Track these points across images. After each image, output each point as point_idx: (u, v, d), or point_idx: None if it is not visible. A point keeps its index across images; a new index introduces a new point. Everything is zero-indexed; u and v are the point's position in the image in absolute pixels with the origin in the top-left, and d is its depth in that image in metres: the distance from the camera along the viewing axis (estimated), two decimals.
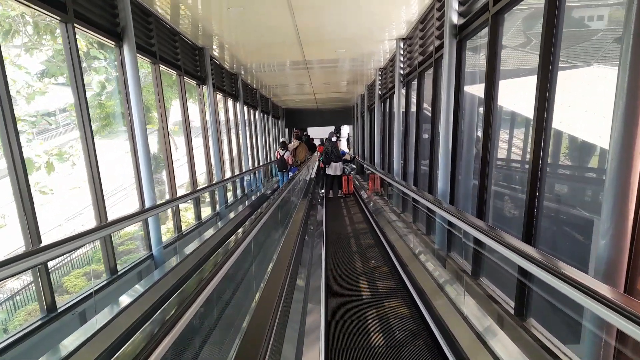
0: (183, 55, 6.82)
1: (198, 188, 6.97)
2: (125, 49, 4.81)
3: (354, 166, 14.35)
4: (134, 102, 4.93)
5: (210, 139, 8.15)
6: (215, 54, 8.54)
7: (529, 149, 4.05)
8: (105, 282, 4.36)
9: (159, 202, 5.41)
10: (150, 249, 5.38)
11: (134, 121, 4.98)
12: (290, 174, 12.11)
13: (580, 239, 3.33)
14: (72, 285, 9.70)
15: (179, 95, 6.90)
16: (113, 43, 4.80)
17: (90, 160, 4.24)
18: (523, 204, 3.84)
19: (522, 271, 3.07)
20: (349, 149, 24.79)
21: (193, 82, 7.71)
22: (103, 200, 4.42)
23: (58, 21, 3.96)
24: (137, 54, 5.32)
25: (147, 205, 5.19)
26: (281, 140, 13.37)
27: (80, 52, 9.38)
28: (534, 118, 3.02)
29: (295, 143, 13.59)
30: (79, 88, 4.12)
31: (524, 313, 3.19)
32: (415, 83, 7.15)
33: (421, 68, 6.56)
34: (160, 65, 6.02)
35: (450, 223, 4.70)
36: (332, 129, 22.51)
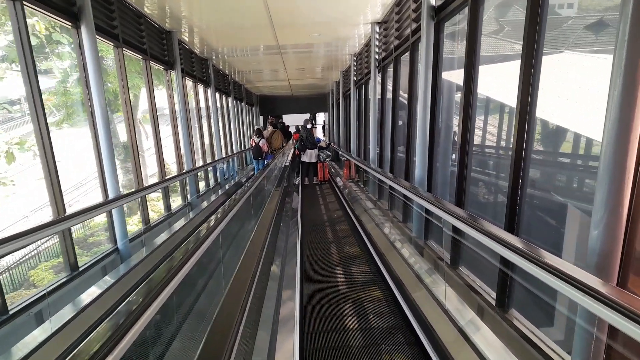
0: (149, 39, 6.46)
1: (166, 178, 6.68)
2: (83, 30, 4.46)
3: (329, 153, 14.29)
4: (94, 87, 4.60)
5: (179, 126, 7.83)
6: (185, 37, 8.18)
7: (504, 136, 3.99)
8: (65, 279, 4.09)
9: (125, 192, 5.15)
10: (115, 242, 5.11)
11: (94, 108, 4.66)
12: (266, 162, 11.93)
13: (552, 223, 3.26)
14: (39, 279, 9.34)
15: (145, 80, 6.55)
16: (70, 24, 4.44)
17: (46, 151, 3.93)
18: (501, 190, 3.75)
19: (504, 261, 2.96)
20: (324, 136, 24.63)
21: (160, 67, 7.36)
22: (60, 192, 4.11)
23: None
24: (98, 37, 4.98)
25: (111, 196, 4.91)
26: (256, 127, 13.16)
27: (40, 35, 8.89)
28: (517, 104, 2.88)
29: (270, 130, 13.39)
30: (31, 74, 3.76)
31: (505, 304, 3.09)
32: (391, 68, 6.98)
33: (397, 52, 6.39)
34: (124, 49, 5.67)
35: (427, 211, 4.59)
36: (307, 116, 22.23)
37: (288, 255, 5.57)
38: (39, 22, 8.14)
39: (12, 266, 8.79)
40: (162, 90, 8.13)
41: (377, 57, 7.67)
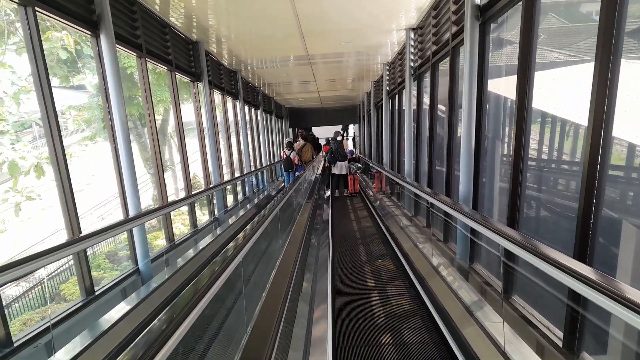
0: (174, 49, 6.25)
1: (192, 193, 6.41)
2: (103, 39, 4.22)
3: (360, 165, 14.11)
4: (114, 99, 4.35)
5: (207, 139, 7.59)
6: (212, 49, 7.98)
7: (544, 148, 3.52)
8: (80, 304, 3.81)
9: (144, 210, 4.88)
10: (136, 263, 4.83)
11: (114, 121, 4.41)
12: (297, 174, 11.80)
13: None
14: (70, 293, 9.27)
15: (171, 92, 6.33)
16: (89, 33, 4.22)
17: (60, 167, 3.67)
18: (564, 211, 3.28)
19: (574, 296, 2.49)
20: (355, 148, 24.29)
21: (187, 79, 7.14)
22: (76, 214, 3.84)
23: (17, 4, 3.35)
24: (120, 47, 4.78)
25: (132, 214, 4.64)
26: (287, 140, 13.15)
27: (70, 49, 8.86)
28: (590, 114, 2.43)
29: (301, 143, 13.33)
30: (45, 88, 3.49)
31: (576, 346, 2.60)
32: (428, 76, 6.55)
33: (435, 59, 5.96)
34: (148, 59, 5.45)
35: (473, 231, 4.14)
36: (336, 128, 21.89)
37: (319, 270, 5.27)
38: (67, 35, 8.10)
39: (44, 279, 8.72)
40: (191, 104, 7.94)
41: (412, 64, 7.26)
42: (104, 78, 4.33)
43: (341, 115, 22.48)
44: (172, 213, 6.12)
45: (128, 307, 3.99)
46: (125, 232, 5.29)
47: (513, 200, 3.47)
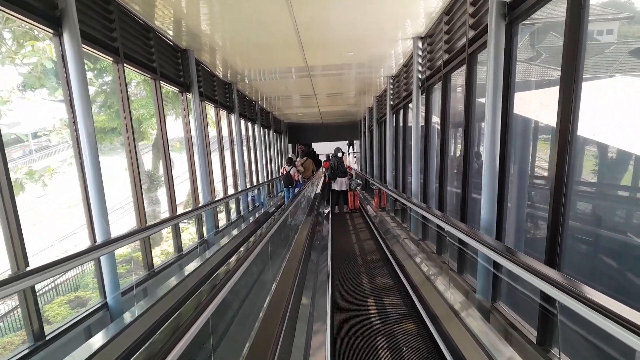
0: (160, 56, 5.67)
1: (175, 215, 5.79)
2: (66, 38, 3.61)
3: (360, 182, 13.90)
4: (80, 107, 3.74)
5: (196, 154, 6.98)
6: (205, 58, 7.43)
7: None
8: (27, 351, 3.17)
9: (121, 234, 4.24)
10: (105, 296, 4.18)
11: (80, 132, 3.79)
12: (296, 190, 11.75)
13: None
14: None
15: (155, 103, 5.74)
16: (50, 30, 3.62)
17: (3, 193, 3.07)
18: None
19: None
20: (355, 164, 23.77)
21: (175, 89, 6.57)
22: (22, 245, 3.22)
23: None
24: (92, 50, 4.22)
25: (99, 240, 4.01)
26: (288, 156, 13.07)
27: (55, 60, 8.32)
28: None
29: (301, 160, 13.40)
30: None
31: None
32: (438, 88, 5.99)
33: (447, 69, 5.39)
34: (127, 65, 4.87)
35: (496, 265, 3.53)
36: (337, 144, 21.41)
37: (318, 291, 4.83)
38: (50, 45, 7.55)
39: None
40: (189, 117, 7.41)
41: (419, 76, 6.69)
42: (68, 83, 3.73)
43: (342, 131, 21.98)
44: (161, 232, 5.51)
45: (91, 351, 3.35)
46: (117, 250, 4.67)
47: (553, 235, 2.84)
